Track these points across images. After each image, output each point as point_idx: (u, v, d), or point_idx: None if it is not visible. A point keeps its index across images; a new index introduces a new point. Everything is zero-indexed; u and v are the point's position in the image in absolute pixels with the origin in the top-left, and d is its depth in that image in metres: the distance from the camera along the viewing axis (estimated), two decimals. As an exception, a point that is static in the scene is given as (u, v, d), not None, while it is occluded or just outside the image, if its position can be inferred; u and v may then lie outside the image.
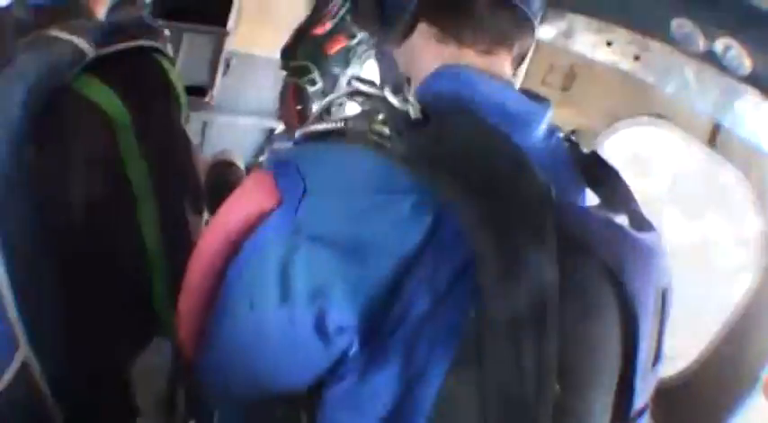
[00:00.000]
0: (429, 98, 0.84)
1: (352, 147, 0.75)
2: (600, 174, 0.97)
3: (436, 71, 0.90)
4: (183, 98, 1.16)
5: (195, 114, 3.37)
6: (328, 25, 3.41)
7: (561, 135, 0.97)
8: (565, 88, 1.96)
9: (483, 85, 0.87)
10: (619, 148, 1.79)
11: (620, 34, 1.60)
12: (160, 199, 1.08)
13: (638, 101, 1.66)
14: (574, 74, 1.92)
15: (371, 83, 0.83)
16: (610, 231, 0.80)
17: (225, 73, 4.08)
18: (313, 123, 0.83)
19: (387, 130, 0.75)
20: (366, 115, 0.79)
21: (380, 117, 0.77)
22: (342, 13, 3.36)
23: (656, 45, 1.47)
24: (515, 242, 0.67)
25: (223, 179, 1.48)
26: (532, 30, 0.95)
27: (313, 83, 3.22)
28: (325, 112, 0.91)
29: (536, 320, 0.66)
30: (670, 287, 0.89)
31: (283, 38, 4.28)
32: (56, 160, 1.02)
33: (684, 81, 1.38)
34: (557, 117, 0.99)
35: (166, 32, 1.22)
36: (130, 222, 1.07)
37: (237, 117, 3.93)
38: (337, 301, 0.68)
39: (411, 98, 0.77)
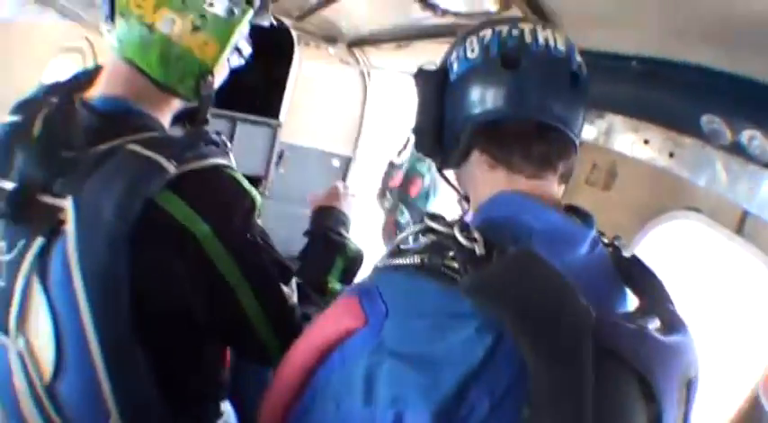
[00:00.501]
0: (488, 223, 1.03)
1: (428, 279, 0.91)
2: (639, 276, 1.12)
3: (492, 198, 1.08)
4: (258, 199, 1.30)
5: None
6: (400, 178, 4.01)
7: (606, 241, 1.14)
8: (606, 186, 2.05)
9: (533, 211, 1.03)
10: (655, 241, 1.85)
11: (656, 132, 1.71)
12: (253, 282, 1.23)
13: (674, 195, 1.74)
14: (615, 172, 2.02)
15: (442, 219, 0.98)
16: (639, 340, 0.93)
17: (278, 164, 4.42)
18: (394, 256, 0.99)
19: (456, 265, 0.90)
20: (439, 251, 0.93)
21: (451, 254, 0.91)
22: (407, 163, 3.96)
23: (688, 141, 1.58)
24: (560, 359, 0.82)
25: (325, 224, 1.74)
26: (575, 149, 1.12)
27: (402, 214, 3.84)
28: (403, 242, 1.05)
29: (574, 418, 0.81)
30: (696, 377, 1.02)
31: (333, 130, 4.57)
32: (150, 264, 1.11)
33: (714, 173, 1.46)
34: (600, 216, 1.14)
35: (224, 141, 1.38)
36: (233, 305, 1.22)
37: (289, 206, 4.16)
38: (413, 406, 0.83)
39: (477, 234, 0.92)
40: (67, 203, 1.08)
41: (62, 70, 4.61)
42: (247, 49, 1.43)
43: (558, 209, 1.07)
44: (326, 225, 1.74)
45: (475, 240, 0.92)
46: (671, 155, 1.65)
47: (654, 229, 1.83)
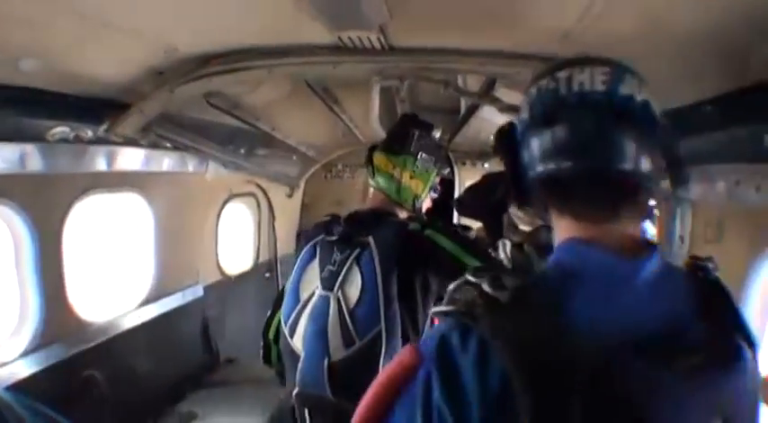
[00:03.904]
0: (553, 266, 1.13)
1: (457, 323, 1.05)
2: (715, 302, 1.12)
3: (558, 246, 1.16)
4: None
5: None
6: None
7: (700, 264, 1.17)
8: (718, 240, 2.02)
9: (585, 256, 1.09)
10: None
11: (743, 171, 1.70)
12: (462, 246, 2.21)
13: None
14: (723, 226, 2.01)
15: (485, 271, 1.10)
16: (649, 386, 0.98)
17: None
18: (444, 303, 1.12)
19: (481, 311, 1.02)
20: (469, 301, 1.06)
21: (479, 302, 1.04)
22: None
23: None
24: (552, 397, 0.92)
25: None
26: (641, 187, 1.11)
27: None
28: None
29: None
30: (737, 413, 1.06)
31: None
32: (407, 262, 2.12)
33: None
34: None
35: None
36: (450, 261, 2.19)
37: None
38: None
39: (509, 282, 1.05)
40: (370, 239, 2.16)
41: (238, 211, 5.23)
42: (438, 188, 2.63)
43: (618, 249, 1.09)
44: None
45: (503, 289, 1.03)
46: (757, 189, 1.61)
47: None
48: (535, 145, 1.14)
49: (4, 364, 2.51)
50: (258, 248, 5.67)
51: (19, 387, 2.47)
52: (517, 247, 1.94)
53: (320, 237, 2.36)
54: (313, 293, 2.27)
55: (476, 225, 2.74)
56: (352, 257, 2.22)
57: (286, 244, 6.11)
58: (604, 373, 0.93)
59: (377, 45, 2.27)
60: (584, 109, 1.09)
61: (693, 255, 1.20)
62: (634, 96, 1.09)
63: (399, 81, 2.49)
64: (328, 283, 2.24)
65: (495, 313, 1.00)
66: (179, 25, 2.03)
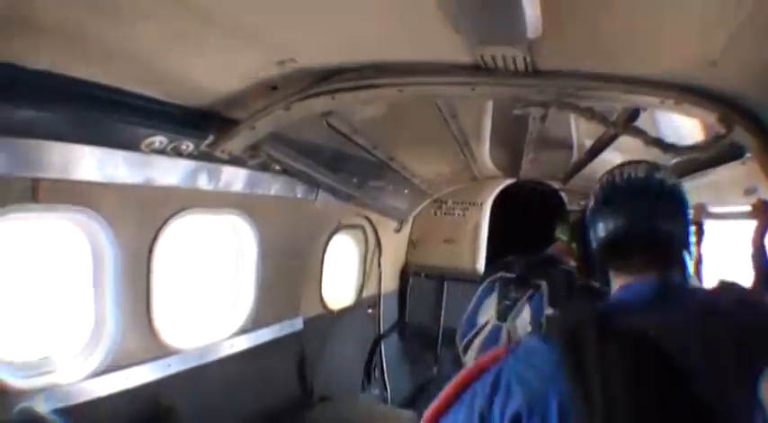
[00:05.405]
0: (613, 299, 1.54)
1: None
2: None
3: (617, 290, 1.54)
4: None
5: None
6: None
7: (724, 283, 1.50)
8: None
9: (628, 290, 1.50)
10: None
11: None
12: None
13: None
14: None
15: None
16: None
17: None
18: None
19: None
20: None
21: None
22: None
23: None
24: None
25: None
26: (678, 248, 1.54)
27: None
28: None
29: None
30: None
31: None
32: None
33: None
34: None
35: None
36: None
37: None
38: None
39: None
40: (543, 283, 2.86)
41: (343, 243, 5.04)
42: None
43: (643, 282, 1.49)
44: None
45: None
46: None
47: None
48: (599, 220, 1.59)
49: (69, 383, 2.32)
50: (363, 283, 5.45)
51: (84, 409, 2.30)
52: None
53: (499, 274, 3.04)
54: (488, 322, 2.93)
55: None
56: (525, 297, 2.84)
57: (391, 280, 5.87)
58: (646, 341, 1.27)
59: (521, 66, 2.01)
60: (631, 190, 1.57)
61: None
62: (665, 181, 1.58)
63: (543, 108, 2.23)
64: (503, 316, 2.88)
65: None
66: (299, 34, 1.83)
